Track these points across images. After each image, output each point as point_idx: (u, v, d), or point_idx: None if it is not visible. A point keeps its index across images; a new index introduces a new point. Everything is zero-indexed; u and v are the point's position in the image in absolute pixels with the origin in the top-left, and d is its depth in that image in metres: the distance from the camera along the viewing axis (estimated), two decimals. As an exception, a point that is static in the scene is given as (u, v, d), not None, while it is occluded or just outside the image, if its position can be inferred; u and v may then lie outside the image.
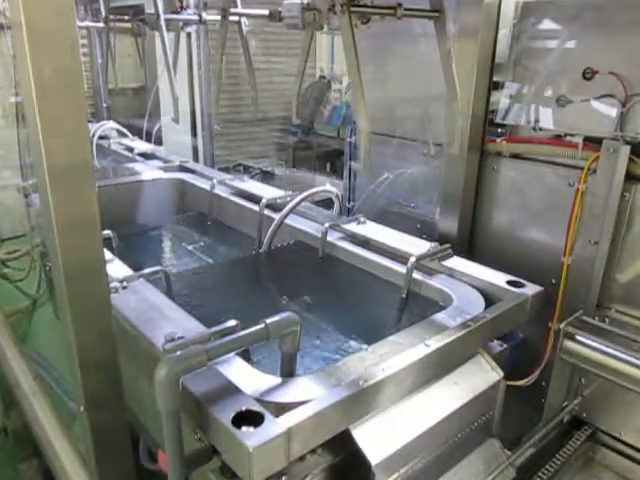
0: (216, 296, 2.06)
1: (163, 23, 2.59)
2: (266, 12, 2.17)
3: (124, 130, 4.31)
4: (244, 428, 1.12)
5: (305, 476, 1.32)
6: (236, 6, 2.51)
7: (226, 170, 5.14)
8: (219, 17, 2.43)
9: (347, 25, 1.52)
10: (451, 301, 1.82)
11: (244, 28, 2.61)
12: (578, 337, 1.93)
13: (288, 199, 2.55)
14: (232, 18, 2.50)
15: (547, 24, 2.20)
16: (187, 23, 2.93)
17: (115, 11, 3.60)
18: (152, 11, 2.65)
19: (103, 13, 3.29)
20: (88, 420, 1.38)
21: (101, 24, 3.42)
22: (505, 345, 1.81)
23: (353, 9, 1.56)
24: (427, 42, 2.50)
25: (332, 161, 6.63)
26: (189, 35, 5.01)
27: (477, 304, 1.78)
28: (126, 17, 3.52)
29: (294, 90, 2.02)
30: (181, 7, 2.84)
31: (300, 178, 6.16)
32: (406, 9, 1.71)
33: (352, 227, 2.38)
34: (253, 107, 2.91)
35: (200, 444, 1.32)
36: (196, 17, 2.83)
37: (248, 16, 2.53)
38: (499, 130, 2.48)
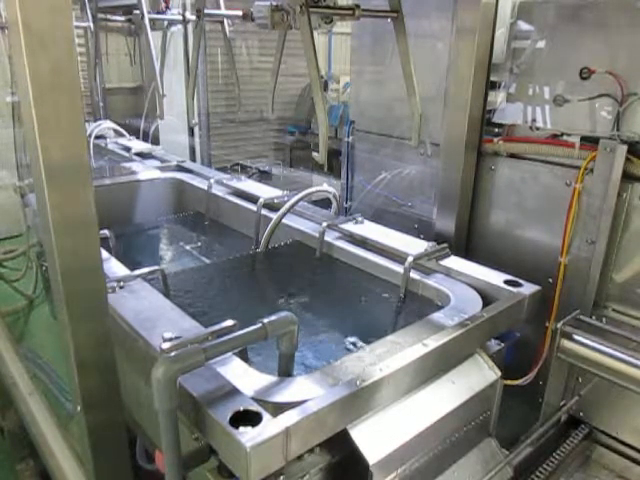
0: (213, 296, 2.06)
1: (147, 22, 2.62)
2: (239, 13, 2.24)
3: (121, 130, 4.30)
4: (241, 428, 1.12)
5: (303, 476, 1.32)
6: (219, 7, 2.56)
7: (223, 170, 5.14)
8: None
9: (306, 25, 1.61)
10: (448, 300, 1.82)
11: (227, 28, 2.64)
12: (575, 336, 1.94)
13: (285, 199, 2.55)
14: (215, 19, 2.56)
15: (544, 24, 2.20)
16: (172, 22, 2.97)
17: (105, 10, 3.61)
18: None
19: (89, 13, 3.32)
20: (85, 420, 1.38)
21: (86, 23, 3.44)
22: (502, 344, 1.81)
23: (312, 10, 1.65)
24: (424, 42, 2.51)
25: (329, 161, 6.64)
26: (185, 34, 5.02)
27: (474, 303, 1.78)
28: (114, 17, 3.55)
29: (270, 87, 2.12)
30: (166, 7, 2.88)
31: (297, 178, 6.17)
32: (364, 10, 1.80)
33: (350, 227, 2.38)
34: (236, 103, 2.99)
35: (197, 444, 1.32)
36: (180, 17, 2.87)
37: (223, 16, 2.57)
38: (496, 130, 2.49)
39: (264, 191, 2.86)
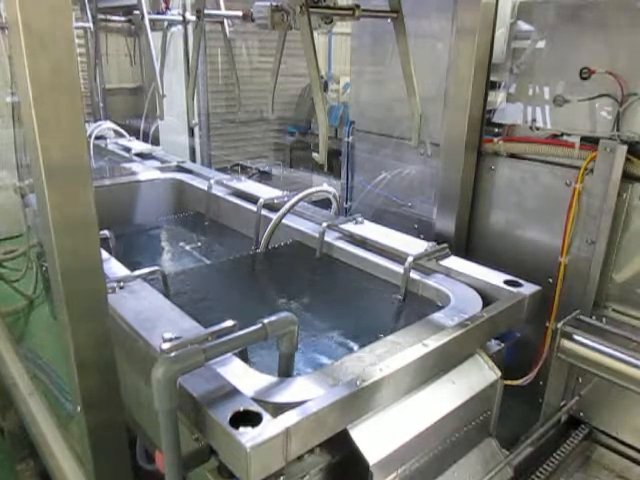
0: (213, 296, 2.06)
1: (148, 23, 2.62)
2: (239, 13, 2.24)
3: (121, 130, 4.30)
4: (242, 428, 1.12)
5: (303, 476, 1.32)
6: (219, 7, 2.56)
7: (223, 170, 5.14)
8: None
9: (306, 25, 1.61)
10: (449, 300, 1.82)
11: (227, 29, 2.65)
12: (575, 336, 1.94)
13: (285, 199, 2.55)
14: (215, 19, 2.56)
15: (544, 24, 2.20)
16: (172, 23, 2.98)
17: (105, 11, 3.62)
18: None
19: (89, 13, 3.32)
20: (85, 420, 1.38)
21: (86, 24, 3.44)
22: (502, 344, 1.81)
23: (312, 10, 1.65)
24: (424, 43, 2.51)
25: (329, 161, 6.63)
26: (185, 35, 5.02)
27: (475, 303, 1.79)
28: (114, 17, 3.55)
29: (270, 87, 2.12)
30: (166, 7, 2.89)
31: (297, 178, 6.17)
32: (364, 10, 1.80)
33: (350, 227, 2.38)
34: (236, 103, 2.98)
35: (197, 444, 1.32)
36: (180, 17, 2.87)
37: (223, 17, 2.58)
38: (496, 130, 2.49)
39: (264, 191, 2.86)
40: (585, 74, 2.04)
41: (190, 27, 3.39)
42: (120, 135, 4.29)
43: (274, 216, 2.41)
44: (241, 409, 1.17)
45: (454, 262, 2.04)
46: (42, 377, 2.62)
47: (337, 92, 6.90)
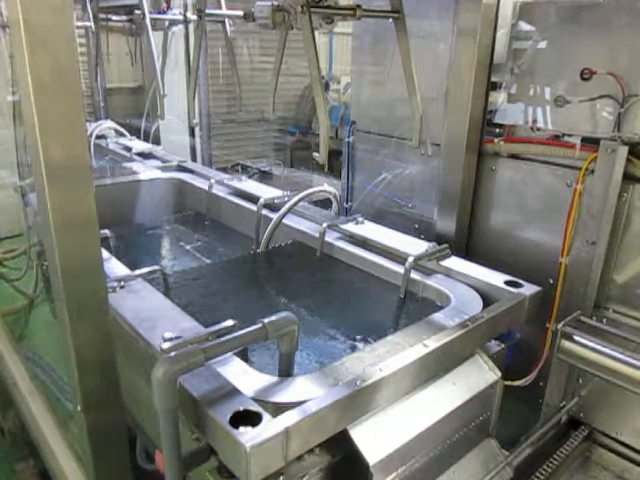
0: (214, 296, 2.06)
1: (149, 22, 2.63)
2: (240, 13, 2.25)
3: (122, 130, 4.31)
4: (241, 428, 1.12)
5: (303, 476, 1.32)
6: (220, 7, 2.57)
7: (224, 170, 5.14)
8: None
9: (307, 24, 1.61)
10: (449, 301, 1.82)
11: (228, 28, 2.65)
12: (576, 337, 1.94)
13: (286, 199, 2.55)
14: (216, 19, 2.58)
15: (545, 24, 2.20)
16: (173, 22, 2.99)
17: (107, 10, 3.62)
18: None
19: (90, 12, 3.33)
20: (85, 420, 1.38)
21: (87, 23, 3.45)
22: (503, 345, 1.81)
23: (313, 10, 1.66)
24: (425, 43, 2.51)
25: (330, 161, 6.62)
26: (187, 34, 5.02)
27: (475, 304, 1.78)
28: (115, 16, 3.56)
29: (271, 87, 2.14)
30: (167, 7, 2.90)
31: (298, 178, 6.16)
32: (365, 10, 1.80)
33: (350, 227, 2.38)
34: (237, 103, 2.99)
35: (197, 444, 1.32)
36: (181, 17, 2.88)
37: (224, 16, 2.59)
38: (497, 130, 2.49)
39: (264, 191, 2.86)
40: (586, 75, 2.04)
41: (191, 27, 3.39)
42: (121, 134, 4.30)
43: (274, 216, 2.41)
44: (241, 409, 1.17)
45: (454, 262, 2.04)
46: (42, 377, 2.62)
47: (338, 92, 6.89)
